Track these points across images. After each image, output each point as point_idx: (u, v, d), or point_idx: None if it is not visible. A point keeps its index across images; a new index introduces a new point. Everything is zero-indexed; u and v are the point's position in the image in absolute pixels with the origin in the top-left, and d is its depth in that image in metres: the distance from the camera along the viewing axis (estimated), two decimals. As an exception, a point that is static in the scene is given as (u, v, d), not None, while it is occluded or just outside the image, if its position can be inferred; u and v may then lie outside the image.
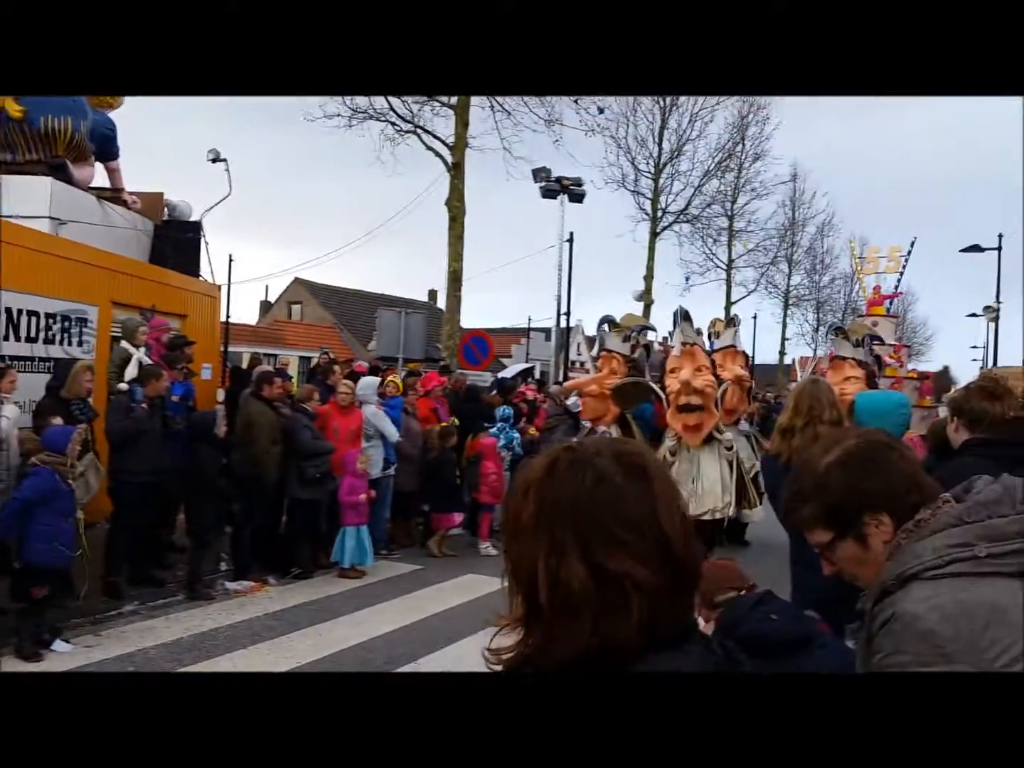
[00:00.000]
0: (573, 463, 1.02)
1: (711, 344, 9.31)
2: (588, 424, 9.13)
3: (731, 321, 9.88)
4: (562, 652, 0.94)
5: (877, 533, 1.55)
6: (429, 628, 6.41)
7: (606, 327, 9.40)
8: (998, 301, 24.30)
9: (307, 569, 7.82)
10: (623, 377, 8.69)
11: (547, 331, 28.73)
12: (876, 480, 1.55)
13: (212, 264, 15.79)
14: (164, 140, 60.89)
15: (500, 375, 15.18)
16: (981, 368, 32.57)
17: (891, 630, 1.41)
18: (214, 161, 13.67)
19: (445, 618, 6.64)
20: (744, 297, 32.38)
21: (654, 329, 10.88)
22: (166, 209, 12.14)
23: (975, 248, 23.32)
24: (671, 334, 8.40)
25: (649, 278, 24.93)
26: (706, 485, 7.37)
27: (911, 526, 1.50)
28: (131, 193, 10.83)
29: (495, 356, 22.11)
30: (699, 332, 8.53)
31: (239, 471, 7.30)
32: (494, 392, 11.90)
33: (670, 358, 7.80)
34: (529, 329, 34.61)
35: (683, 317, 7.83)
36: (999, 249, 23.41)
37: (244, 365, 12.12)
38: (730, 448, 7.63)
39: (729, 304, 30.63)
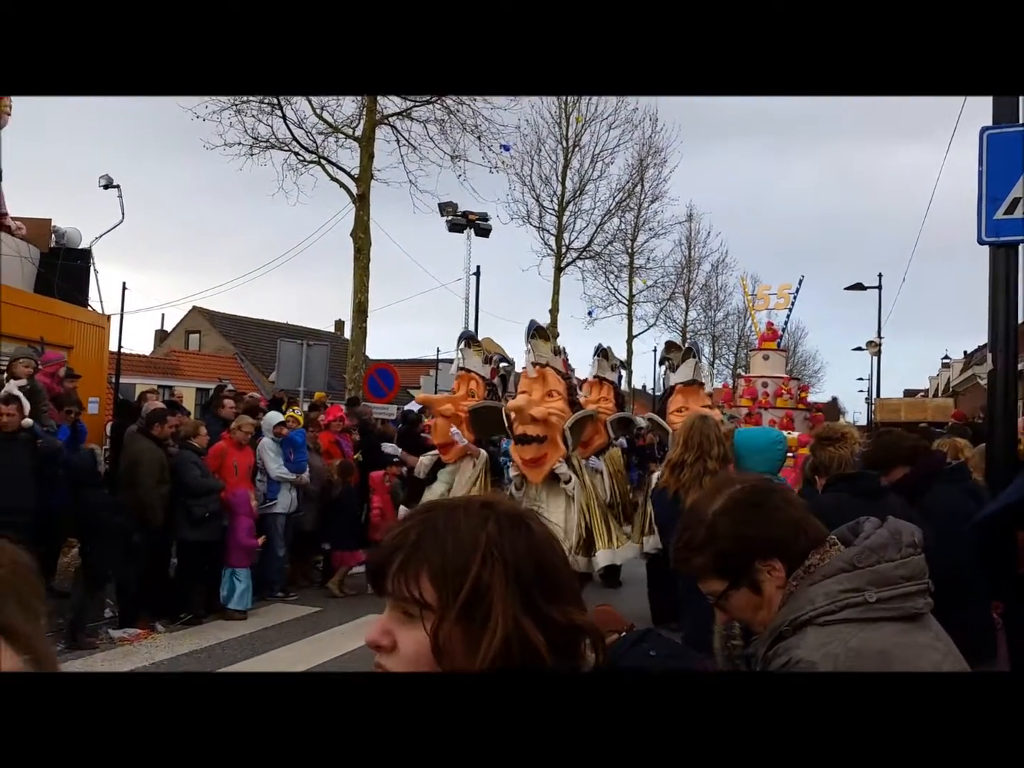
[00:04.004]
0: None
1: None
2: (432, 456, 7.97)
3: (603, 351, 8.88)
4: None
5: (770, 579, 1.55)
6: (327, 673, 6.19)
7: (464, 345, 8.27)
8: (879, 336, 25.79)
9: (197, 615, 7.48)
10: (481, 400, 7.44)
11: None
12: (764, 527, 1.55)
13: (101, 293, 15.23)
14: (53, 164, 58.32)
15: (406, 407, 15.02)
16: (866, 399, 34.43)
17: None
18: (106, 187, 13.18)
19: (345, 663, 6.41)
20: (645, 331, 33.33)
21: (510, 361, 9.46)
22: (54, 236, 11.61)
23: (858, 286, 24.74)
24: (529, 350, 7.04)
25: (555, 311, 25.32)
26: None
27: (802, 572, 1.52)
28: (15, 219, 10.31)
29: (403, 387, 21.90)
30: (557, 350, 7.23)
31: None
32: (400, 425, 11.78)
33: (521, 379, 6.73)
34: (438, 361, 34.54)
35: (535, 333, 6.59)
36: (879, 288, 24.92)
37: (136, 397, 11.65)
38: (568, 481, 6.69)
39: (631, 337, 31.43)
